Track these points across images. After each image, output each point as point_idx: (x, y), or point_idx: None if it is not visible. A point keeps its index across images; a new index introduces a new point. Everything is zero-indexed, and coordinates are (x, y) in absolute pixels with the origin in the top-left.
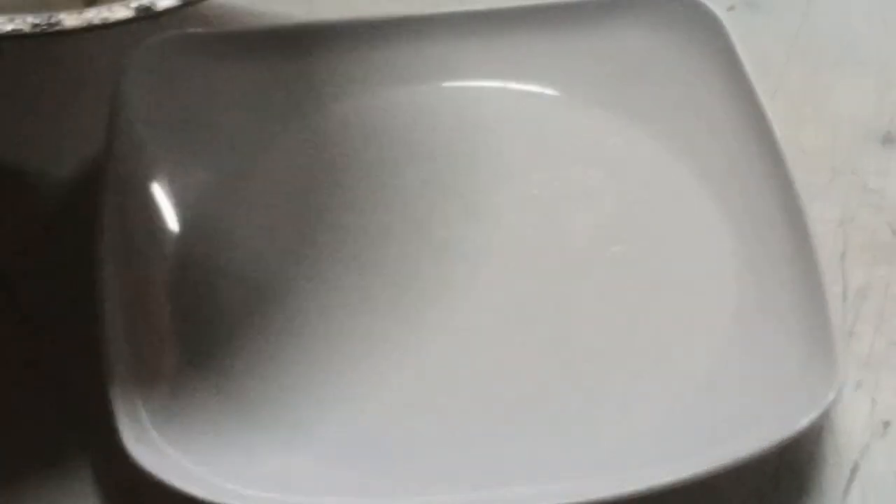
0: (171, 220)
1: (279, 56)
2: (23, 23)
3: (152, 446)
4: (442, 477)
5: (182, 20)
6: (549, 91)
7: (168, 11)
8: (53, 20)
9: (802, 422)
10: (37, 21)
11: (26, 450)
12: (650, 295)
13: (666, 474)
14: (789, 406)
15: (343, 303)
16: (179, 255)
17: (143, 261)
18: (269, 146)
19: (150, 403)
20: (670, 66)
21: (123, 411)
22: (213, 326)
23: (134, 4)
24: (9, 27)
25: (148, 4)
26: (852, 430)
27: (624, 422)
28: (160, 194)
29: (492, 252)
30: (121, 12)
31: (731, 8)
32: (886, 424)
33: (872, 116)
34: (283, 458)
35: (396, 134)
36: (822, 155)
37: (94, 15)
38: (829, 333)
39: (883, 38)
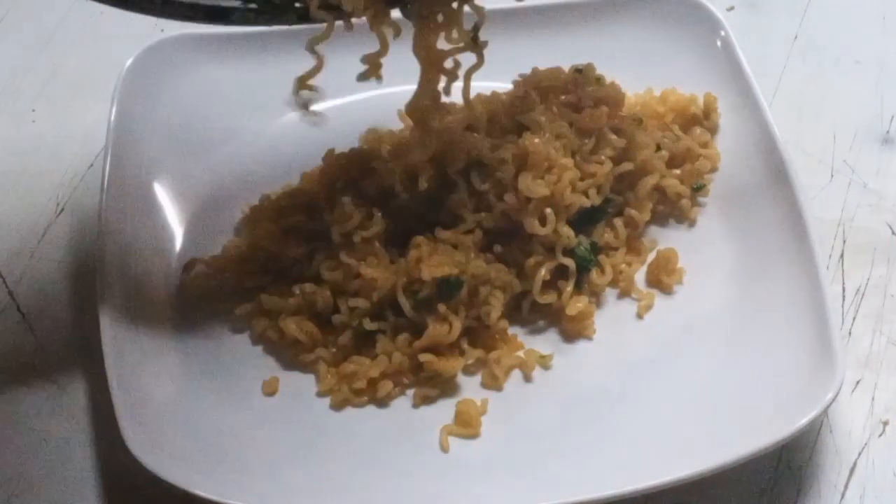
0: (172, 220)
1: (280, 56)
2: None
3: (153, 444)
4: (449, 477)
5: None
6: None
7: None
8: None
9: (802, 421)
10: None
11: (27, 448)
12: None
13: (667, 473)
14: (789, 405)
15: None
16: (180, 255)
17: (143, 261)
18: (270, 145)
19: (151, 401)
20: (670, 65)
21: (124, 409)
22: (213, 326)
23: None
24: None
25: None
26: (851, 430)
27: (625, 422)
28: (160, 194)
29: None
30: None
31: (730, 8)
32: (885, 424)
33: (872, 116)
34: (281, 457)
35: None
36: (822, 155)
37: None
38: (829, 333)
39: (883, 38)
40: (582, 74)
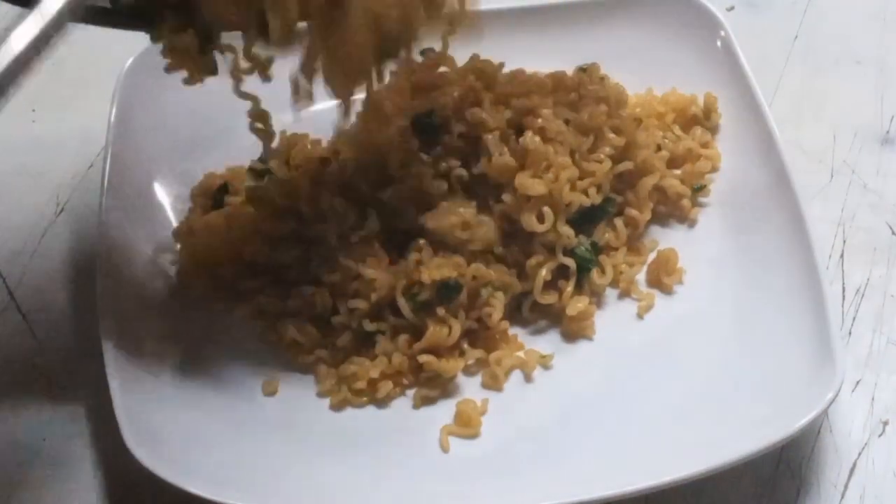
0: (172, 220)
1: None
2: None
3: (153, 444)
4: (449, 477)
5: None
6: None
7: None
8: None
9: (802, 421)
10: None
11: (27, 448)
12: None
13: (667, 473)
14: (789, 406)
15: None
16: (180, 255)
17: (143, 261)
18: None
19: (151, 401)
20: (670, 65)
21: (124, 409)
22: (213, 326)
23: None
24: None
25: None
26: (851, 430)
27: (625, 422)
28: (160, 194)
29: None
30: None
31: (730, 8)
32: (885, 424)
33: (872, 116)
34: (281, 457)
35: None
36: (822, 155)
37: None
38: (829, 333)
39: (883, 38)
40: (586, 74)
